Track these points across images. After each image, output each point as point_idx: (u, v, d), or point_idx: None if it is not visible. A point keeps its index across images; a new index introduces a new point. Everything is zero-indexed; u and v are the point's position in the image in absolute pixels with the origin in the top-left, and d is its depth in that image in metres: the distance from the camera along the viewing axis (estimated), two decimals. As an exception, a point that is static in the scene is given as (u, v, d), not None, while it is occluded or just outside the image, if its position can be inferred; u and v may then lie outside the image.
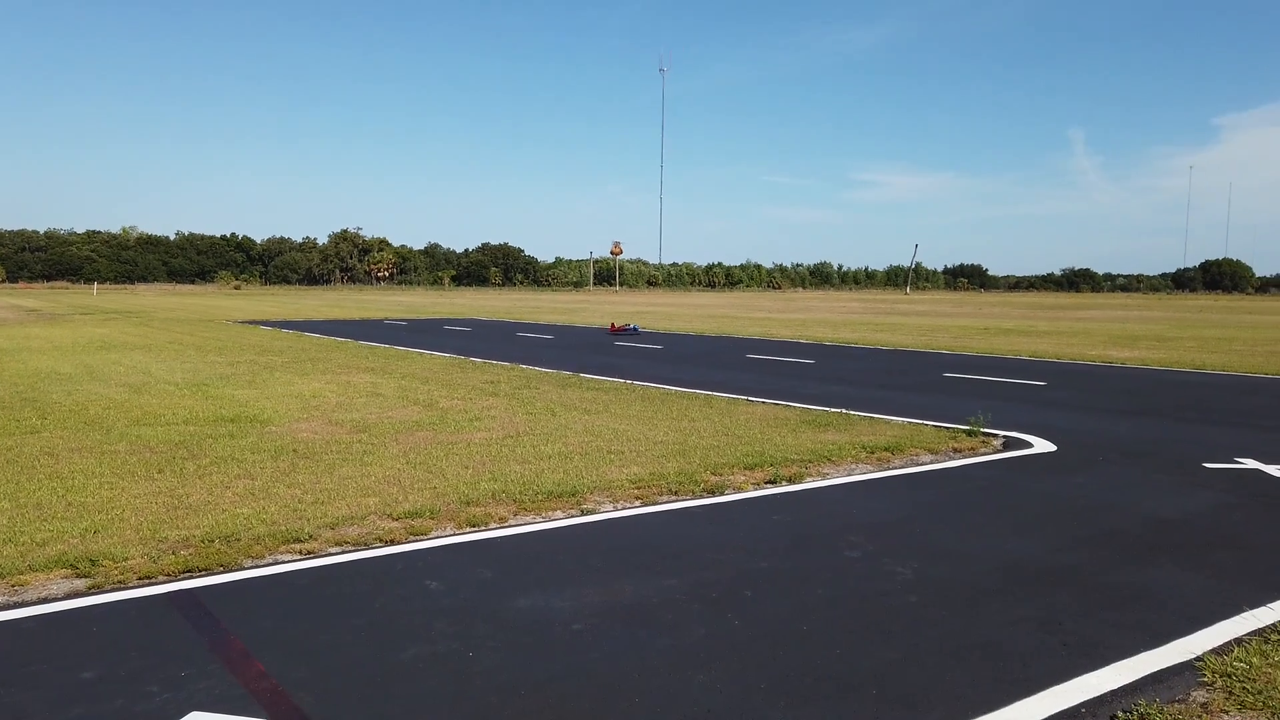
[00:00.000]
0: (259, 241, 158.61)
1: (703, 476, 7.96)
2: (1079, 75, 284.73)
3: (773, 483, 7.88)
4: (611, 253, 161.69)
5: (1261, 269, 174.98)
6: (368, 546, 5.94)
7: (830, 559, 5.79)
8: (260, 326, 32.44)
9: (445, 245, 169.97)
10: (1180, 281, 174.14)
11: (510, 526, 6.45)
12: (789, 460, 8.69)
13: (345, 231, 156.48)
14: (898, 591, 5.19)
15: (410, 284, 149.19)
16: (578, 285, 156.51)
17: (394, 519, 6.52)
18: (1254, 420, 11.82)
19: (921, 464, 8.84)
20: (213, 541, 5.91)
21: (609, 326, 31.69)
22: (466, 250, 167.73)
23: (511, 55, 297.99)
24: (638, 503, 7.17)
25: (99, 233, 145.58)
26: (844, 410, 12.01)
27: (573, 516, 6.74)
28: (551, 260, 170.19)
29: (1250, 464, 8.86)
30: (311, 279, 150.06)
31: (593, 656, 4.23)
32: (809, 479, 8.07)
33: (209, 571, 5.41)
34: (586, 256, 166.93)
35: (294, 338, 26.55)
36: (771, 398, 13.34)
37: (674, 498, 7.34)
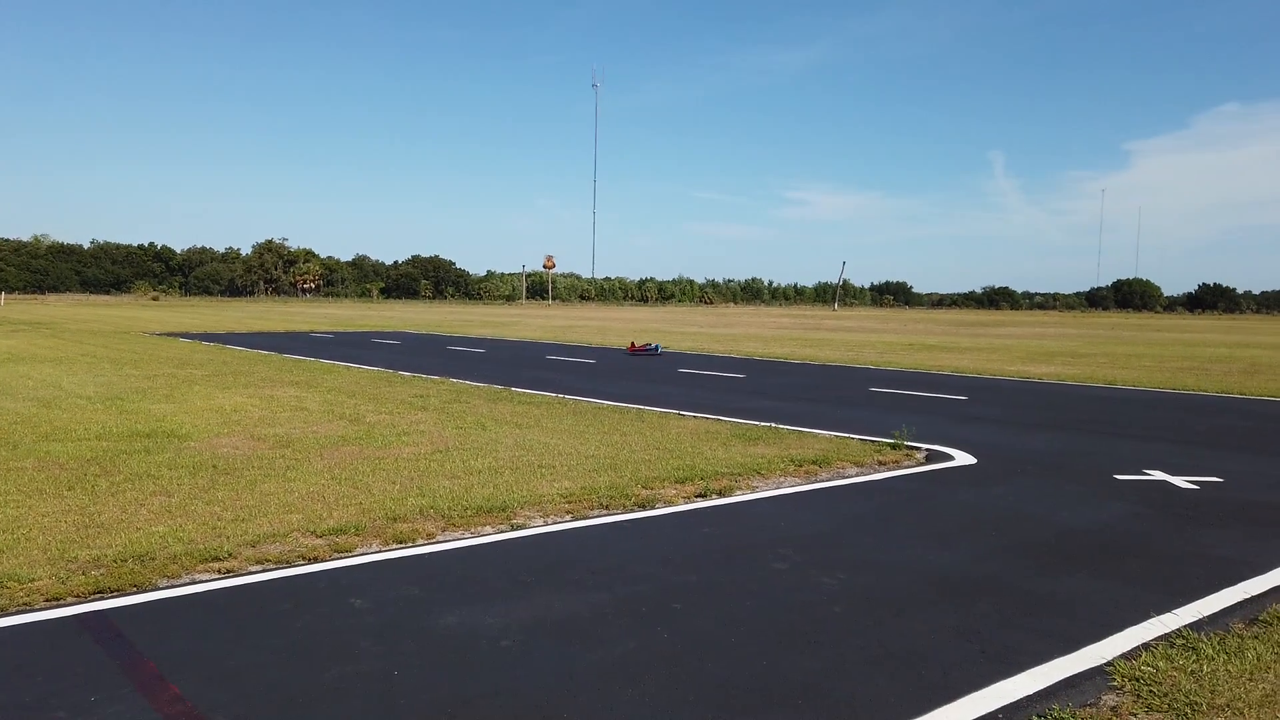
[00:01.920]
0: (179, 251, 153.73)
1: (634, 490, 7.98)
2: (999, 100, 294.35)
3: (703, 496, 7.94)
4: (544, 266, 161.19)
5: (1169, 288, 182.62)
6: (290, 564, 5.80)
7: (759, 571, 5.85)
8: (179, 339, 31.44)
9: (374, 257, 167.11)
10: (1094, 300, 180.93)
11: (438, 543, 6.37)
12: (719, 474, 8.76)
13: (270, 242, 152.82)
14: (824, 602, 5.27)
15: (338, 296, 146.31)
16: (510, 299, 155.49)
17: (318, 536, 6.37)
18: (1161, 434, 12.34)
19: (848, 477, 9.00)
20: (126, 561, 5.69)
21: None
22: (396, 262, 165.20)
23: (443, 67, 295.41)
24: (568, 517, 7.14)
25: (8, 240, 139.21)
26: (774, 424, 12.16)
27: (503, 532, 6.68)
28: (483, 273, 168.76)
29: (1158, 475, 9.24)
30: (234, 290, 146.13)
31: (521, 673, 4.20)
32: (739, 492, 8.15)
33: (121, 592, 5.21)
34: (519, 270, 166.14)
35: (215, 350, 25.81)
36: (703, 412, 13.44)
37: (605, 512, 7.34)
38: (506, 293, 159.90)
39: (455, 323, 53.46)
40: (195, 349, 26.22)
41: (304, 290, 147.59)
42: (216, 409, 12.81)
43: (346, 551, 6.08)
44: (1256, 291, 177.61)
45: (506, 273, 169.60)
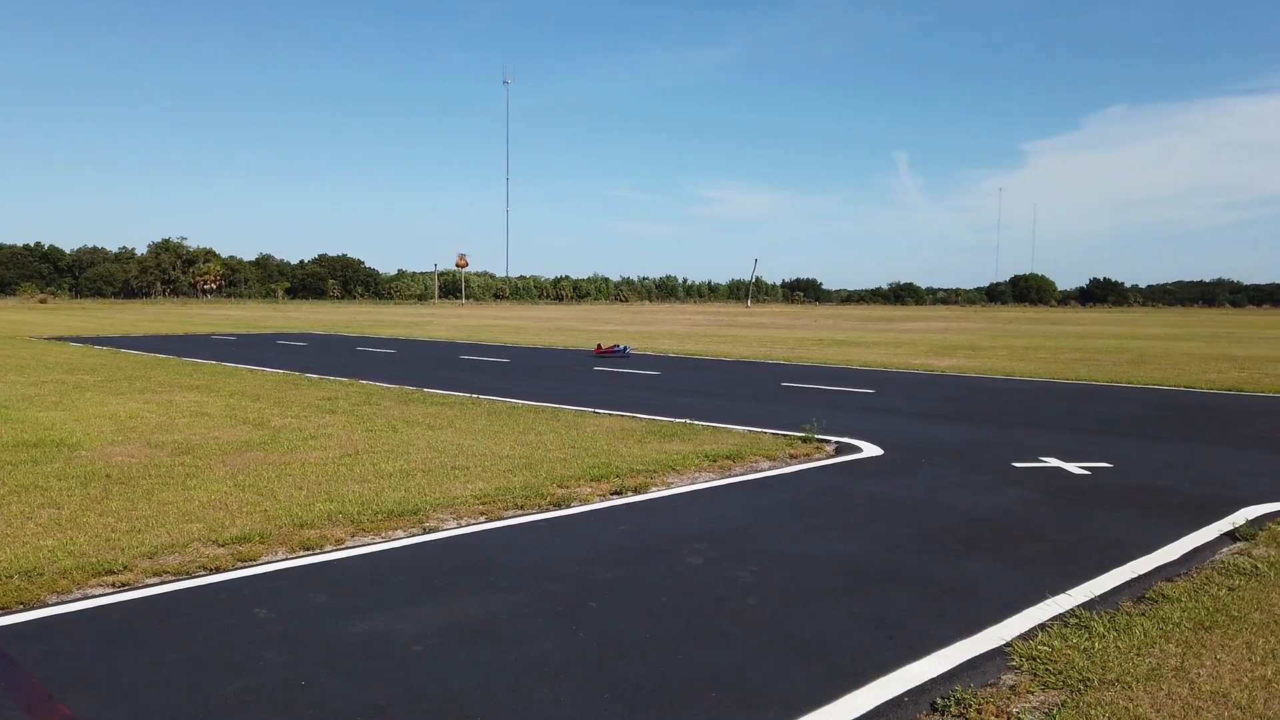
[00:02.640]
0: (68, 251, 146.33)
1: (549, 490, 7.94)
2: (903, 101, 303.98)
3: (619, 494, 7.95)
4: (457, 265, 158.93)
5: (1063, 283, 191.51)
6: (190, 575, 5.58)
7: (674, 566, 5.89)
8: (70, 343, 29.92)
9: (279, 256, 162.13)
10: (993, 295, 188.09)
11: (348, 548, 6.22)
12: (635, 471, 8.79)
13: (167, 241, 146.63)
14: (738, 595, 5.34)
15: (241, 297, 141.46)
16: (422, 298, 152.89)
17: (220, 545, 6.15)
18: (1056, 422, 12.89)
19: (761, 471, 9.14)
20: (11, 578, 5.39)
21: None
22: (302, 262, 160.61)
23: (350, 63, 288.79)
24: (483, 518, 7.06)
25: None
26: (689, 421, 12.26)
27: (414, 535, 6.57)
28: (394, 273, 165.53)
29: (1053, 462, 9.65)
30: (129, 292, 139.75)
31: (434, 677, 4.13)
32: (654, 489, 8.19)
33: (7, 610, 4.93)
34: (431, 269, 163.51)
35: (108, 355, 24.66)
36: (618, 409, 13.46)
37: (520, 512, 7.28)
38: (418, 292, 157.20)
39: (365, 323, 52.30)
40: (87, 353, 25.00)
41: (205, 291, 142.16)
42: (110, 416, 12.24)
43: (250, 560, 5.89)
44: (1143, 285, 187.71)
45: (418, 272, 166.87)
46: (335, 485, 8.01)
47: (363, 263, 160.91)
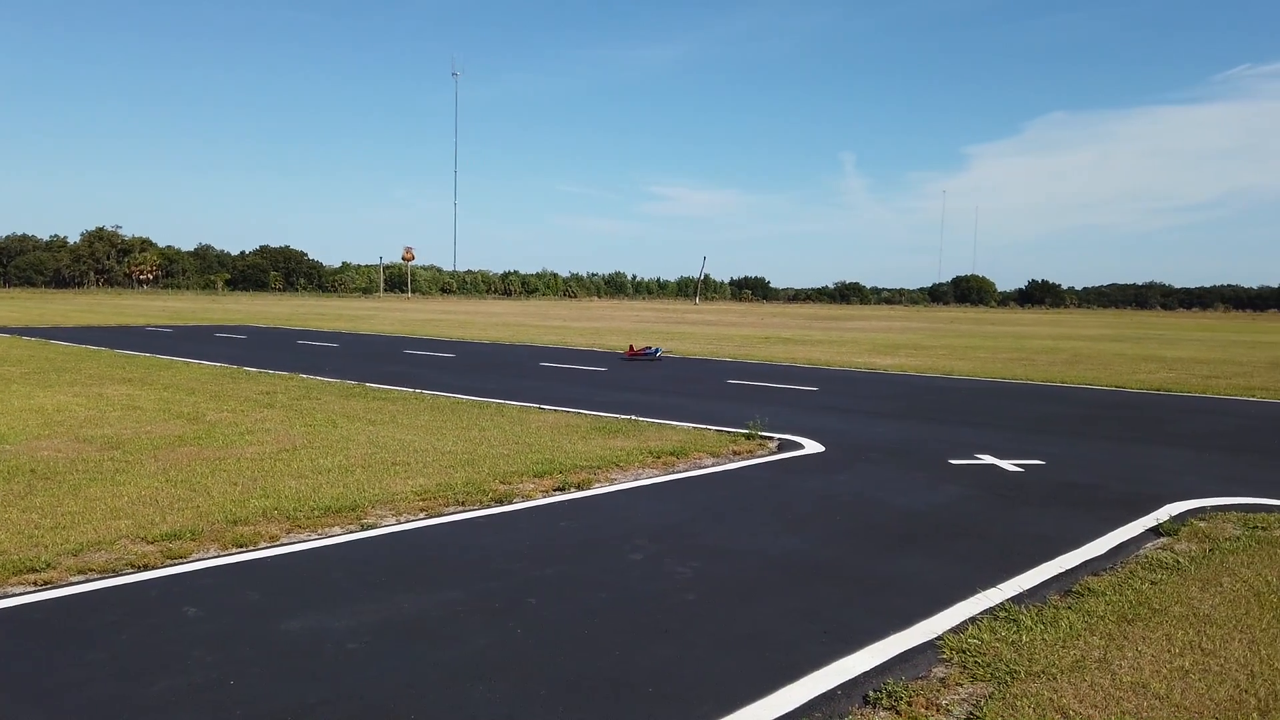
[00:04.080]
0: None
1: (491, 486, 7.89)
2: (850, 102, 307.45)
3: (561, 490, 7.93)
4: (403, 258, 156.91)
5: (1003, 284, 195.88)
6: (117, 573, 5.43)
7: (614, 563, 5.90)
8: (-5, 333, 28.89)
9: (219, 247, 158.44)
10: (936, 295, 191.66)
11: (283, 545, 6.10)
12: (578, 467, 8.78)
13: (101, 230, 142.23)
14: (677, 591, 5.36)
15: (178, 288, 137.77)
16: (367, 291, 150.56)
17: (149, 542, 6.00)
18: (992, 420, 13.19)
19: (704, 467, 9.19)
20: (-76, 577, 5.19)
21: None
22: (243, 252, 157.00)
23: (294, 51, 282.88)
24: (423, 515, 6.99)
25: None
26: (634, 417, 12.27)
27: (352, 532, 6.47)
28: (338, 265, 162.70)
29: (987, 459, 9.87)
30: (61, 281, 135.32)
31: (368, 675, 4.08)
32: (597, 485, 8.18)
33: (-82, 611, 4.74)
34: (376, 262, 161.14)
35: (37, 346, 23.85)
36: (563, 405, 13.42)
37: (461, 508, 7.22)
38: (363, 285, 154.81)
39: (307, 316, 51.36)
40: (14, 344, 24.16)
41: (140, 282, 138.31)
42: (37, 409, 11.85)
43: (181, 558, 5.75)
44: (1079, 288, 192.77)
45: (363, 264, 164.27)
46: (271, 481, 7.86)
47: (306, 255, 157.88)
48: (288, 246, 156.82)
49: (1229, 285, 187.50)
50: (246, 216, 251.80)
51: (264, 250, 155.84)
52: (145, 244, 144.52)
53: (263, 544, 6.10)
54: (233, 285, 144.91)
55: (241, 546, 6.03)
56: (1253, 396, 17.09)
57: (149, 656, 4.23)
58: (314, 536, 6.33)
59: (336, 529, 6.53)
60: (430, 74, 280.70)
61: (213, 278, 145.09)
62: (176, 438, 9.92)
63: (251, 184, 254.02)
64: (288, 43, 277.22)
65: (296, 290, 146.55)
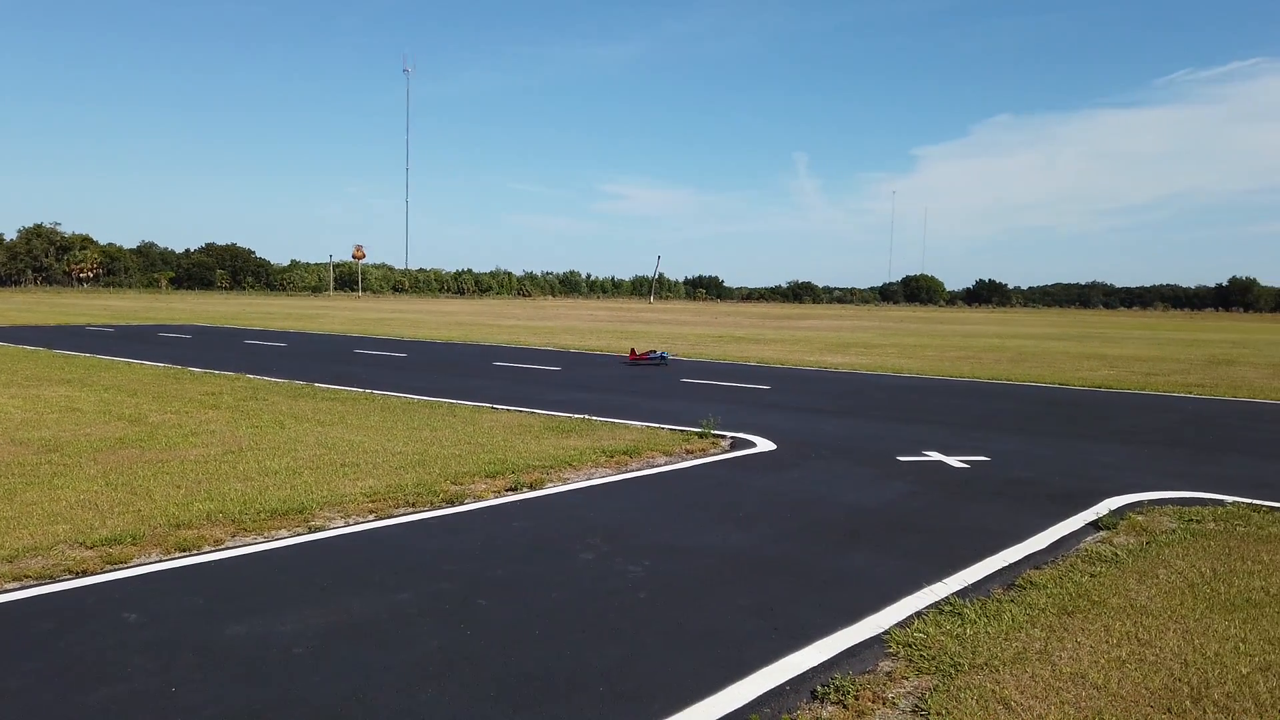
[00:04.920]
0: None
1: (442, 487, 7.82)
2: (803, 103, 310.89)
3: (514, 490, 7.89)
4: (354, 257, 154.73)
5: (951, 284, 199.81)
6: (54, 580, 5.28)
7: (566, 562, 5.89)
8: (-74, 333, 27.90)
9: (163, 244, 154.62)
10: (886, 294, 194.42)
11: (228, 549, 5.99)
12: (531, 467, 8.74)
13: (39, 227, 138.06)
14: (629, 590, 5.37)
15: (121, 287, 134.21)
16: (317, 290, 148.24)
17: (88, 547, 5.85)
18: (939, 417, 13.41)
19: (657, 466, 9.21)
20: None
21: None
22: (188, 250, 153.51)
23: (242, 45, 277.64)
24: (372, 517, 6.91)
25: None
26: (587, 417, 12.26)
27: (300, 535, 6.38)
28: (287, 263, 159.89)
29: (935, 456, 10.04)
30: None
31: (314, 680, 4.02)
32: (550, 484, 8.16)
33: None
34: (326, 260, 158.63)
35: (-30, 346, 23.09)
36: (517, 405, 13.36)
37: (411, 509, 7.15)
38: (313, 284, 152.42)
39: (255, 315, 50.42)
40: (-55, 344, 23.36)
41: (81, 280, 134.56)
42: (-31, 411, 11.47)
43: (121, 563, 5.61)
44: (1025, 287, 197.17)
45: (313, 263, 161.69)
46: (216, 484, 7.71)
47: (253, 253, 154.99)
48: (234, 244, 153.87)
49: (1168, 285, 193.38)
50: (192, 213, 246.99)
51: (210, 248, 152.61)
52: (86, 241, 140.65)
53: (206, 548, 5.98)
54: (177, 284, 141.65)
55: (184, 551, 5.90)
56: (1190, 393, 17.61)
57: (88, 664, 4.12)
58: (260, 540, 6.22)
59: (283, 532, 6.43)
60: (382, 70, 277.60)
61: (156, 276, 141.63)
62: (117, 440, 9.68)
63: (197, 180, 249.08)
64: (235, 36, 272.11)
65: (244, 289, 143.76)
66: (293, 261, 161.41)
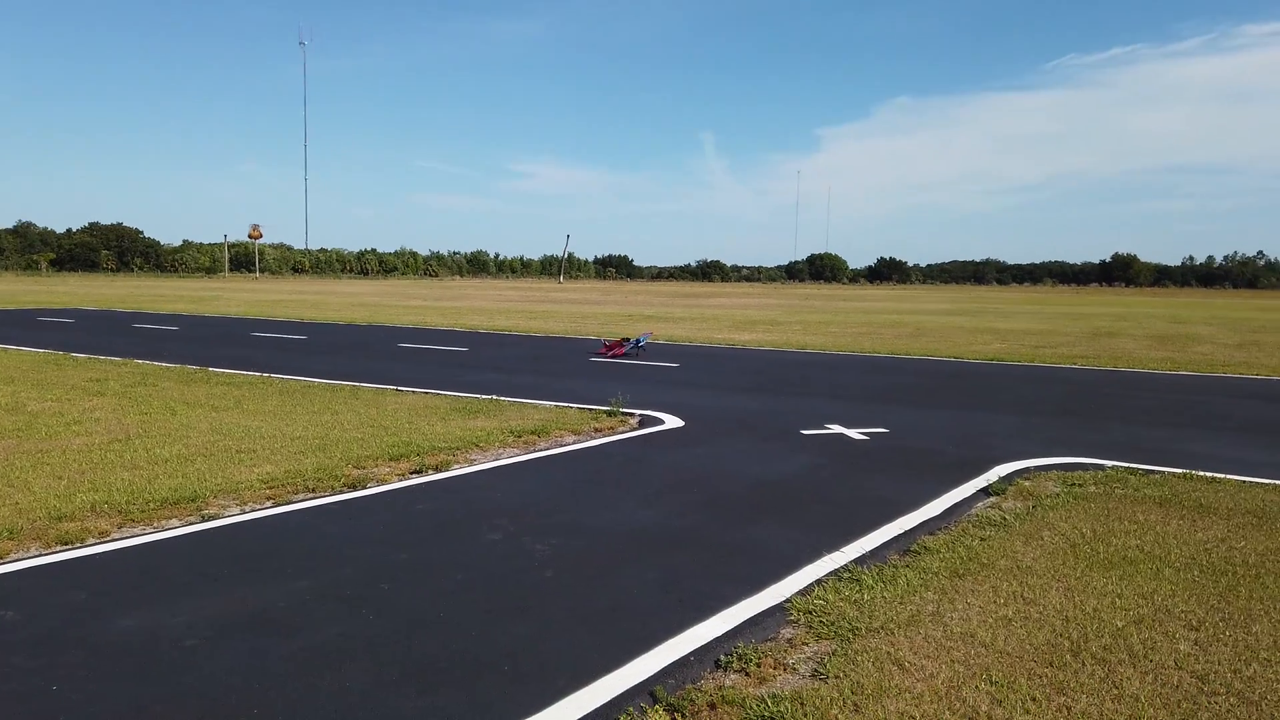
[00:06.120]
0: None
1: (344, 471, 7.65)
2: (710, 83, 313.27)
3: (419, 472, 7.77)
4: (250, 236, 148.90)
5: (854, 261, 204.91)
6: (-80, 580, 4.97)
7: (471, 544, 5.84)
8: None
9: (42, 224, 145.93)
10: (792, 272, 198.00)
11: (113, 541, 5.73)
12: (436, 449, 8.62)
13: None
14: (535, 568, 5.36)
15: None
16: (211, 271, 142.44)
17: (-42, 544, 5.51)
18: (841, 392, 13.77)
19: (565, 445, 9.20)
20: None
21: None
22: (70, 230, 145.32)
23: (125, 15, 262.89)
24: (269, 504, 6.71)
25: None
26: (495, 397, 12.15)
27: (192, 524, 6.14)
28: (178, 244, 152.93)
29: (836, 429, 10.30)
30: None
31: (208, 672, 3.89)
32: (456, 466, 8.06)
33: None
34: (221, 240, 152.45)
35: None
36: (422, 387, 13.14)
37: (311, 495, 6.97)
38: (206, 265, 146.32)
39: (144, 298, 48.14)
40: None
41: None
42: None
43: (-4, 559, 5.31)
44: (924, 265, 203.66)
45: (206, 243, 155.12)
46: (101, 473, 7.36)
47: (141, 232, 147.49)
48: (120, 224, 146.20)
49: (1056, 261, 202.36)
50: (74, 192, 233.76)
51: (94, 228, 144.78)
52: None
53: (91, 540, 5.72)
54: (59, 266, 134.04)
55: (67, 544, 5.63)
56: (1075, 364, 18.50)
57: (-42, 667, 3.90)
58: (149, 530, 5.97)
59: (174, 521, 6.18)
60: (278, 43, 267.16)
61: (35, 258, 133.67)
62: (-8, 431, 9.14)
63: (79, 156, 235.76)
64: (120, 4, 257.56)
65: (132, 271, 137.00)
66: (185, 242, 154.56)
